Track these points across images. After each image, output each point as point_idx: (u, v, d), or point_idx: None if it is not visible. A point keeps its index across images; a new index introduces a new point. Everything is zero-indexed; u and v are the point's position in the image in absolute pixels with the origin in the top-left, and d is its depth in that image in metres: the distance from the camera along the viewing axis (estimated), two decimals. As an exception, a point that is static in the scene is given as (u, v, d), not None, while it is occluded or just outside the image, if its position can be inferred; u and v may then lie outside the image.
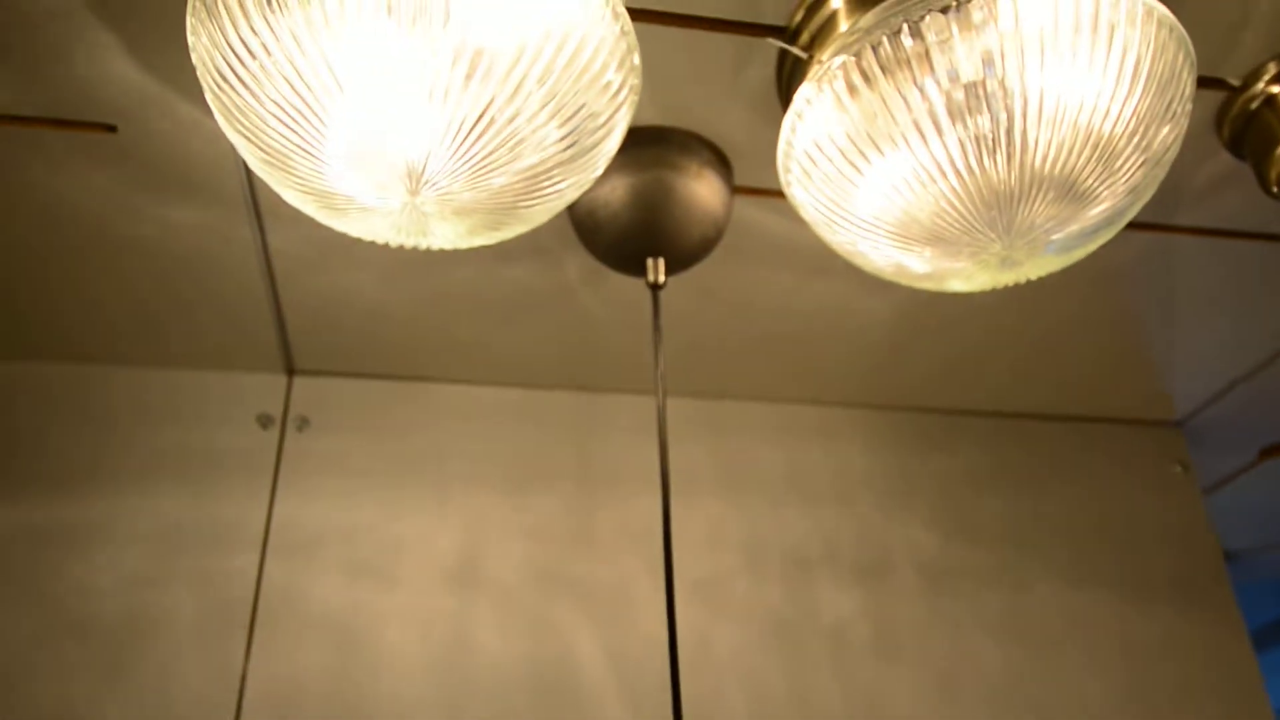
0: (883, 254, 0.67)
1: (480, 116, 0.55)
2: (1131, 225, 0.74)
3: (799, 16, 0.67)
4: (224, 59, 0.53)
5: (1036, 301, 0.97)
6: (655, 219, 0.76)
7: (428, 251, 0.87)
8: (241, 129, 0.57)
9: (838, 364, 1.07)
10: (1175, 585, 1.09)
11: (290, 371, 1.03)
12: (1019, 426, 1.16)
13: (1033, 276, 0.68)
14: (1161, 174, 0.63)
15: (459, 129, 0.55)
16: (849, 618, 1.01)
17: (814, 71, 0.61)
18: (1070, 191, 0.60)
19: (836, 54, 0.58)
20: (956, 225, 0.62)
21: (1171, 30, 0.56)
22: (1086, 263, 0.77)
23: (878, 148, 0.61)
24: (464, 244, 0.66)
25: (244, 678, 0.88)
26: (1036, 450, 1.15)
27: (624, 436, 1.06)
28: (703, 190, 0.77)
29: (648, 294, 0.77)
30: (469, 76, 0.53)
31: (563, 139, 0.59)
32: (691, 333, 1.01)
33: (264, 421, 0.99)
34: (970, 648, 1.01)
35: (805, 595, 1.01)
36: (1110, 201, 0.62)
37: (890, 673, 0.99)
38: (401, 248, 0.66)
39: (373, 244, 0.66)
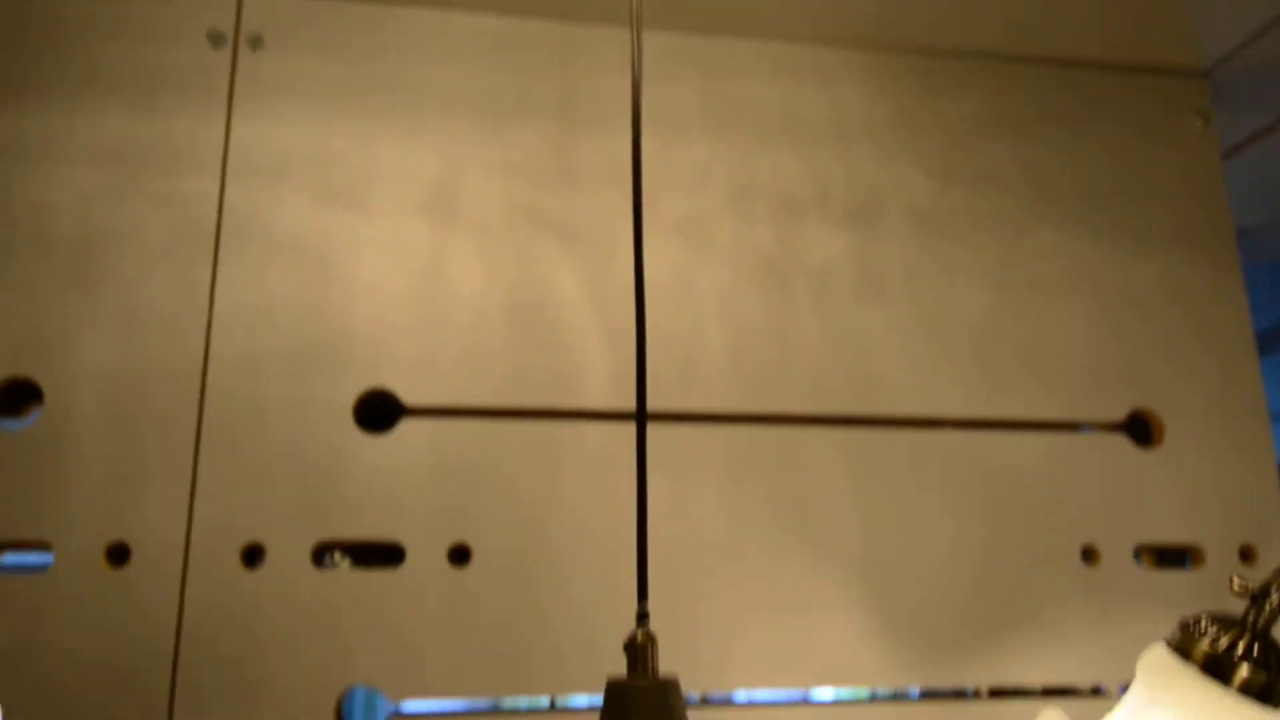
0: None
1: None
2: None
3: None
4: None
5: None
6: None
7: None
8: None
9: (840, -5, 0.98)
10: (1179, 239, 1.05)
11: (240, -15, 0.95)
12: (1029, 71, 1.08)
13: None
14: None
15: None
16: (837, 259, 0.98)
17: None
18: None
19: None
20: None
21: None
22: None
23: None
24: None
25: (212, 297, 0.87)
26: (1046, 96, 1.07)
27: (607, 70, 0.99)
28: None
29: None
30: None
31: None
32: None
33: (214, 39, 0.92)
34: (959, 290, 0.99)
35: (793, 236, 0.98)
36: None
37: (874, 312, 0.97)
38: None
39: None
